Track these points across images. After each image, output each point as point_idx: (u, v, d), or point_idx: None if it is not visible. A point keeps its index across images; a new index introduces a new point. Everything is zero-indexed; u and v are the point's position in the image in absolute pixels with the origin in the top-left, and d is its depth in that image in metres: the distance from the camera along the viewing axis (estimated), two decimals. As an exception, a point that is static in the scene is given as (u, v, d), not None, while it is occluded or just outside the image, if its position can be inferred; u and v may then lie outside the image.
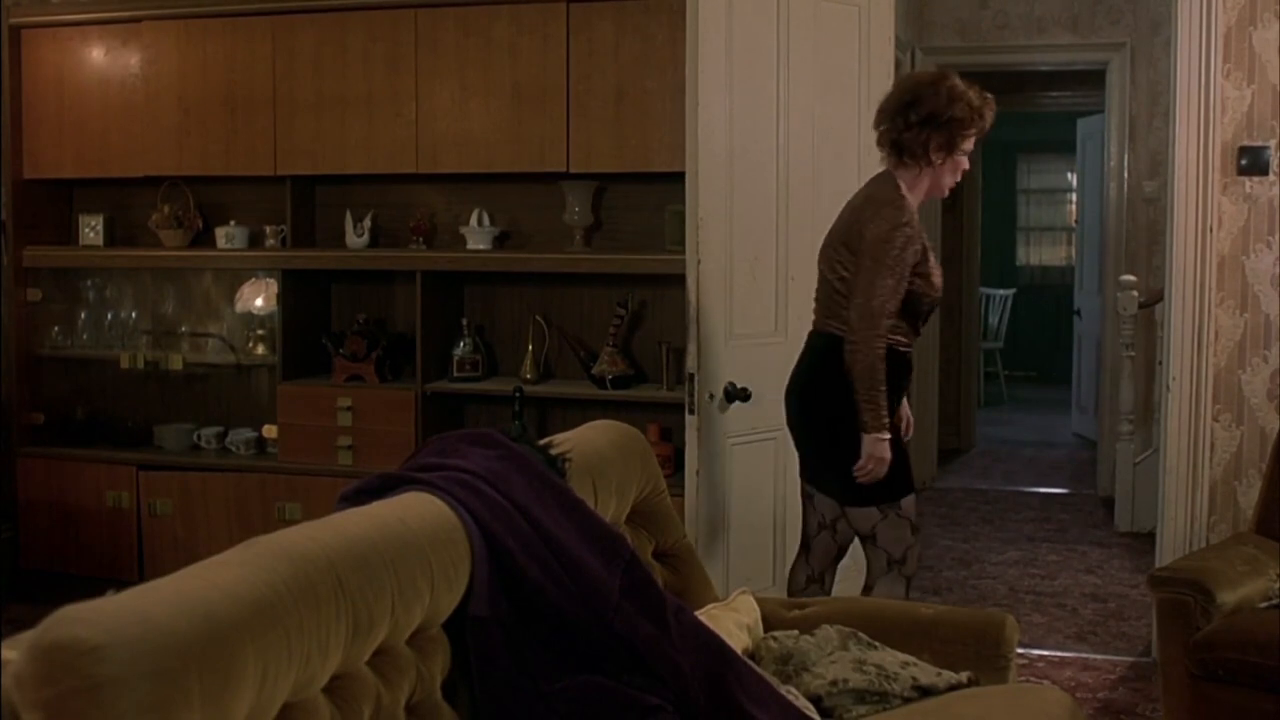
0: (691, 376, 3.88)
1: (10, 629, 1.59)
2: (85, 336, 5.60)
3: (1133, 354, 6.77)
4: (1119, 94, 7.38)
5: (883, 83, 4.46)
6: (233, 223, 5.35)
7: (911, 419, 3.91)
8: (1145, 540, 6.14)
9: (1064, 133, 9.83)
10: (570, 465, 2.58)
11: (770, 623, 2.97)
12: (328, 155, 5.09)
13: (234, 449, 5.32)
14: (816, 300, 3.73)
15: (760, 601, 3.02)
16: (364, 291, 5.38)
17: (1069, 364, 9.64)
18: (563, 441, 2.70)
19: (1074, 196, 11.92)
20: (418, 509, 2.17)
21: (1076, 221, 10.43)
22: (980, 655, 2.87)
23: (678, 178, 3.99)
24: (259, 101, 5.13)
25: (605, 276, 4.98)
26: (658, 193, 4.87)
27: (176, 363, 5.43)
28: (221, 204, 5.46)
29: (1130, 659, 4.67)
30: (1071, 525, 6.88)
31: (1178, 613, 3.50)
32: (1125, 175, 7.43)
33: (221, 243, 5.33)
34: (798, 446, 3.81)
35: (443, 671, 2.15)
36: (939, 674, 2.75)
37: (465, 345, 5.05)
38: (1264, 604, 3.55)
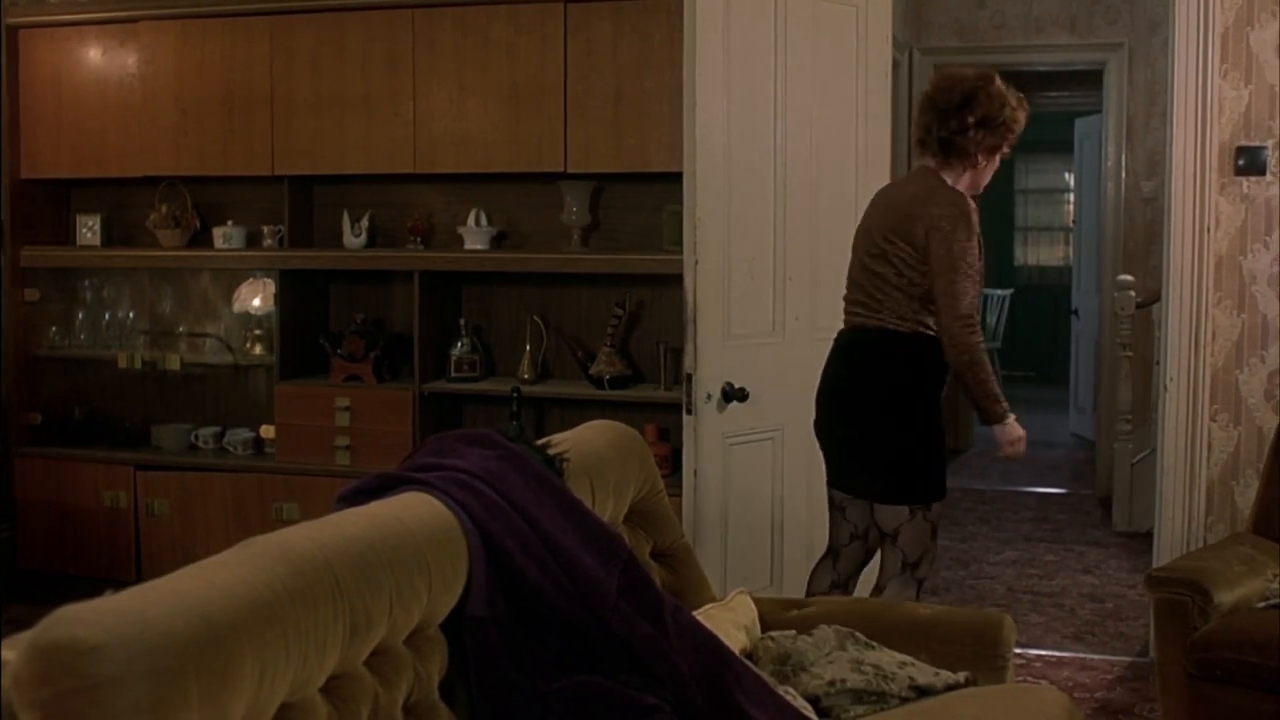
0: (689, 376, 3.88)
1: (8, 629, 1.59)
2: (83, 336, 5.59)
3: (1130, 354, 6.78)
4: (1116, 94, 7.39)
5: (880, 83, 4.47)
6: (230, 223, 5.35)
7: None
8: (1143, 540, 6.14)
9: (1062, 133, 9.84)
10: (568, 465, 2.58)
11: (768, 623, 2.97)
12: (325, 155, 5.09)
13: (231, 449, 5.31)
14: (860, 297, 3.66)
15: (758, 601, 3.02)
16: (362, 291, 5.38)
17: (1067, 364, 9.65)
18: (560, 441, 2.70)
19: (1071, 197, 11.93)
20: (415, 509, 2.18)
21: (1074, 222, 10.44)
22: (978, 655, 2.87)
23: (675, 178, 3.99)
24: (257, 101, 5.13)
25: (603, 277, 4.98)
26: (655, 193, 4.87)
27: (174, 363, 5.43)
28: (219, 204, 5.46)
29: (1128, 659, 4.67)
30: (1069, 525, 6.88)
31: (1175, 613, 3.50)
32: (1123, 175, 7.44)
33: (219, 243, 5.33)
34: (829, 449, 3.77)
35: (440, 672, 2.15)
36: (936, 674, 2.75)
37: (463, 345, 5.05)
38: (1261, 604, 3.55)
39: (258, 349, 5.40)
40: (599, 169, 4.84)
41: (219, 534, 5.01)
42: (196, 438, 5.41)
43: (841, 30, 4.34)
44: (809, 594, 3.85)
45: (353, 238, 5.20)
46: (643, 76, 4.69)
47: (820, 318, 4.22)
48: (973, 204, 3.57)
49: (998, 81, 3.60)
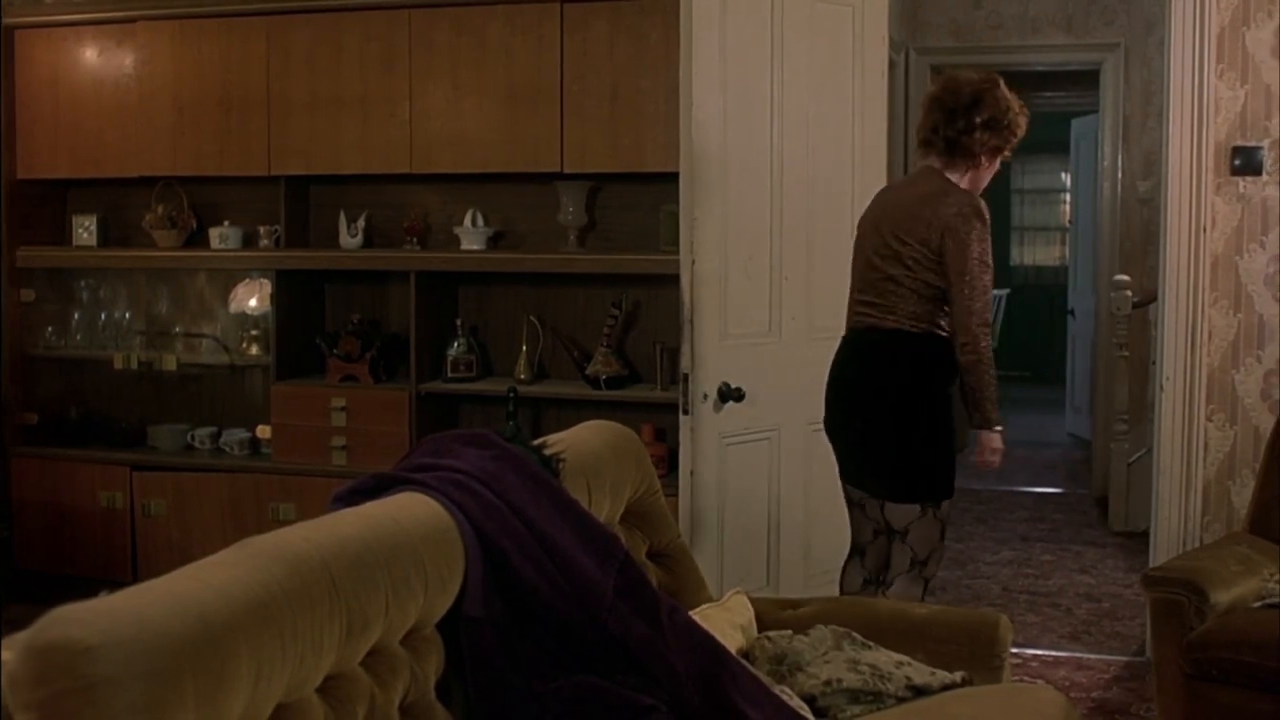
0: (686, 377, 3.88)
1: (5, 629, 1.59)
2: (79, 337, 5.59)
3: (1127, 354, 6.78)
4: (1113, 94, 7.40)
5: (877, 83, 4.47)
6: (227, 223, 5.34)
7: None
8: (1139, 540, 6.14)
9: (1058, 133, 9.84)
10: (564, 465, 2.58)
11: (764, 623, 2.97)
12: (322, 155, 5.08)
13: (228, 449, 5.31)
14: (870, 298, 3.65)
15: (754, 601, 3.03)
16: (358, 292, 5.38)
17: (1063, 364, 9.65)
18: (557, 442, 2.70)
19: (1068, 196, 11.92)
20: (412, 509, 2.17)
21: (1070, 222, 10.44)
22: (974, 655, 2.87)
23: (672, 178, 3.99)
24: (253, 101, 5.13)
25: (599, 277, 4.98)
26: (652, 193, 4.87)
27: (170, 363, 5.42)
28: (215, 204, 5.45)
29: (1124, 659, 4.67)
30: (1065, 525, 6.89)
31: (1172, 612, 3.50)
32: (1119, 175, 7.44)
33: (215, 243, 5.32)
34: (840, 447, 3.77)
35: (437, 672, 2.15)
36: (933, 674, 2.76)
37: (459, 345, 5.05)
38: (1258, 603, 3.55)
39: (254, 349, 5.40)
40: (595, 169, 4.84)
41: (215, 534, 5.00)
42: (193, 438, 5.41)
43: (838, 30, 4.34)
44: (843, 594, 3.85)
45: (349, 238, 5.20)
46: (639, 76, 4.69)
47: (817, 317, 4.22)
48: (982, 201, 3.59)
49: (1003, 85, 3.64)
